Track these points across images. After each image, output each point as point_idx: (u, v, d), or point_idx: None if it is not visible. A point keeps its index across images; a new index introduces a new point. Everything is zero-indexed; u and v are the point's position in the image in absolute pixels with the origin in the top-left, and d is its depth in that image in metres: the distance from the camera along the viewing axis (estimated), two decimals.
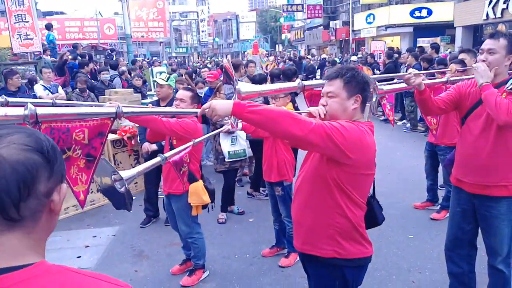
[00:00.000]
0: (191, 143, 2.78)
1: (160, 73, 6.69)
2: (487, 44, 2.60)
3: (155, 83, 4.64)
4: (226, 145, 4.87)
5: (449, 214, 3.06)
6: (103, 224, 5.12)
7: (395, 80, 3.11)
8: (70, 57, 10.02)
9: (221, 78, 6.34)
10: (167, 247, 4.40)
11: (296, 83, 2.31)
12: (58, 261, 0.98)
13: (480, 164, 2.66)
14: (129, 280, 3.76)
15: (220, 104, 1.81)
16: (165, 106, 4.18)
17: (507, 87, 2.54)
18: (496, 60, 2.57)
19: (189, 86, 3.91)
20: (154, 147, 4.61)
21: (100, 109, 1.99)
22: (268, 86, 2.39)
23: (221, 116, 1.83)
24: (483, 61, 2.59)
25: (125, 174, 2.11)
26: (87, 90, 7.57)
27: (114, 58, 17.15)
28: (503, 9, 16.36)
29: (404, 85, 2.77)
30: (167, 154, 2.61)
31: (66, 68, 9.39)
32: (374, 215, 2.21)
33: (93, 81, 9.14)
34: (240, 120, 2.18)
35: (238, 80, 2.13)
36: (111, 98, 7.11)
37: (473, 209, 2.80)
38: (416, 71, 2.64)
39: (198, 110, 1.97)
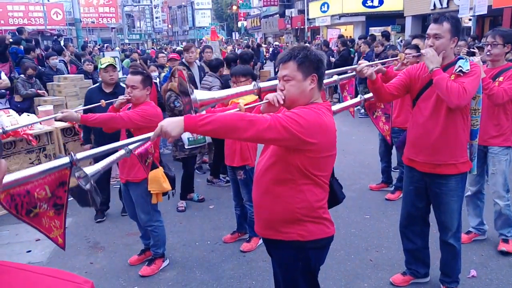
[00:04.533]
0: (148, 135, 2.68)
1: (114, 57, 6.43)
2: (433, 29, 2.64)
3: (107, 67, 4.43)
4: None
5: (403, 192, 3.16)
6: None
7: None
8: (11, 40, 9.30)
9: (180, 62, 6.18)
10: (123, 238, 4.26)
11: (252, 85, 2.33)
12: (6, 257, 0.89)
13: (431, 144, 2.74)
14: (84, 272, 3.62)
15: (171, 125, 1.76)
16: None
17: (456, 70, 2.62)
18: (443, 44, 2.63)
19: (139, 69, 3.74)
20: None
21: (54, 163, 1.93)
22: (224, 92, 2.44)
23: (175, 137, 1.79)
24: (431, 46, 2.64)
25: (90, 170, 2.02)
26: (33, 77, 7.13)
27: (62, 44, 16.31)
28: (448, 0, 17.03)
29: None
30: (131, 147, 2.49)
31: (8, 54, 8.55)
32: (334, 194, 2.22)
33: (40, 67, 8.60)
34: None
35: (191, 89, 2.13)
36: (60, 85, 6.76)
37: (425, 187, 2.91)
38: (367, 63, 2.69)
39: (151, 135, 1.89)
